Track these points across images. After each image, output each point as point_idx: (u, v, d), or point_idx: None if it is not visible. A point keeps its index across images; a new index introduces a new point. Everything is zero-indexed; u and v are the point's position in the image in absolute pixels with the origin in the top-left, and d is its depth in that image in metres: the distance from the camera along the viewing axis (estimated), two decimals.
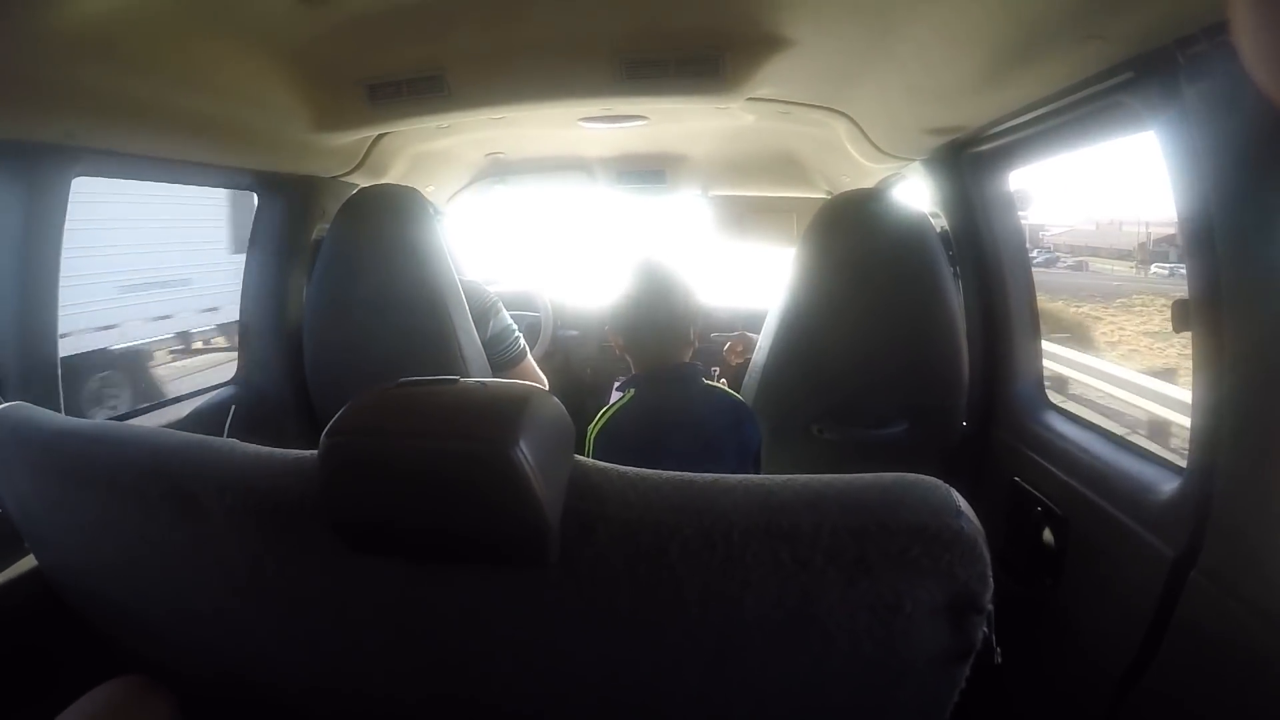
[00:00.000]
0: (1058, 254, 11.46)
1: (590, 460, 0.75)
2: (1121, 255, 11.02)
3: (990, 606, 0.66)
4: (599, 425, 1.41)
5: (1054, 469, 1.30)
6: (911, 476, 0.68)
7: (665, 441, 1.36)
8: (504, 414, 0.66)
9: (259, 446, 0.84)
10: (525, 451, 0.63)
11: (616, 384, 1.53)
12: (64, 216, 1.25)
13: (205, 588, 0.85)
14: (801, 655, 0.71)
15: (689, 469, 0.73)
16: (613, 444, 1.39)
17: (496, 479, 0.63)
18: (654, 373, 1.47)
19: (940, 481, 0.67)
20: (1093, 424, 1.34)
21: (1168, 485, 1.01)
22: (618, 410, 1.42)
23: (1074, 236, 12.04)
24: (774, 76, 1.42)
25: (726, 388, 1.52)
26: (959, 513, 0.64)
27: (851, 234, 1.49)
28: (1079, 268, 11.30)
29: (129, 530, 0.84)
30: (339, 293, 1.57)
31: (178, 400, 1.69)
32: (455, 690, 0.83)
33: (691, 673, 0.74)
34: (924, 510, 0.65)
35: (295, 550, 0.77)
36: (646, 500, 0.70)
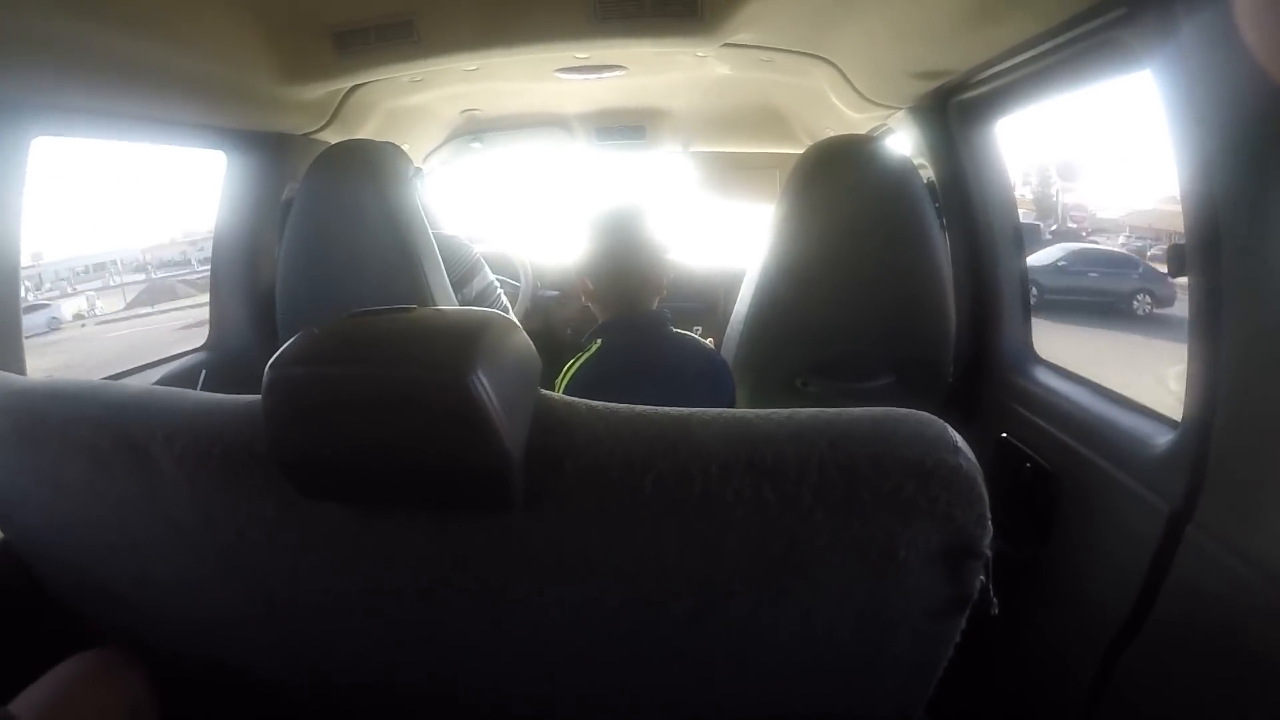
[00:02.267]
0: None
1: (556, 394, 0.71)
2: None
3: (989, 552, 0.62)
4: (567, 376, 1.37)
5: (1044, 424, 1.28)
6: (904, 410, 0.64)
7: (635, 390, 1.31)
8: (460, 341, 0.61)
9: (209, 394, 0.80)
10: (483, 380, 0.58)
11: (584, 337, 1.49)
12: (24, 178, 1.21)
13: (162, 546, 0.81)
14: (788, 604, 0.68)
15: None
16: (582, 394, 1.35)
17: (452, 411, 0.59)
18: (620, 320, 1.43)
19: (935, 417, 0.64)
20: (1083, 378, 1.32)
21: (1162, 438, 0.98)
22: (584, 360, 1.38)
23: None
24: (754, 20, 1.38)
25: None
26: (956, 449, 0.61)
27: (834, 181, 1.44)
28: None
29: (84, 488, 0.80)
30: (312, 252, 1.52)
31: (148, 366, 1.65)
32: (424, 643, 0.80)
33: (670, 623, 0.70)
34: (919, 445, 0.61)
35: (245, 499, 0.73)
36: (617, 434, 0.66)
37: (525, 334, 0.70)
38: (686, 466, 0.63)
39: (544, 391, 0.70)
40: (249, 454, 0.71)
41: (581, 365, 1.37)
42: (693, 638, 0.71)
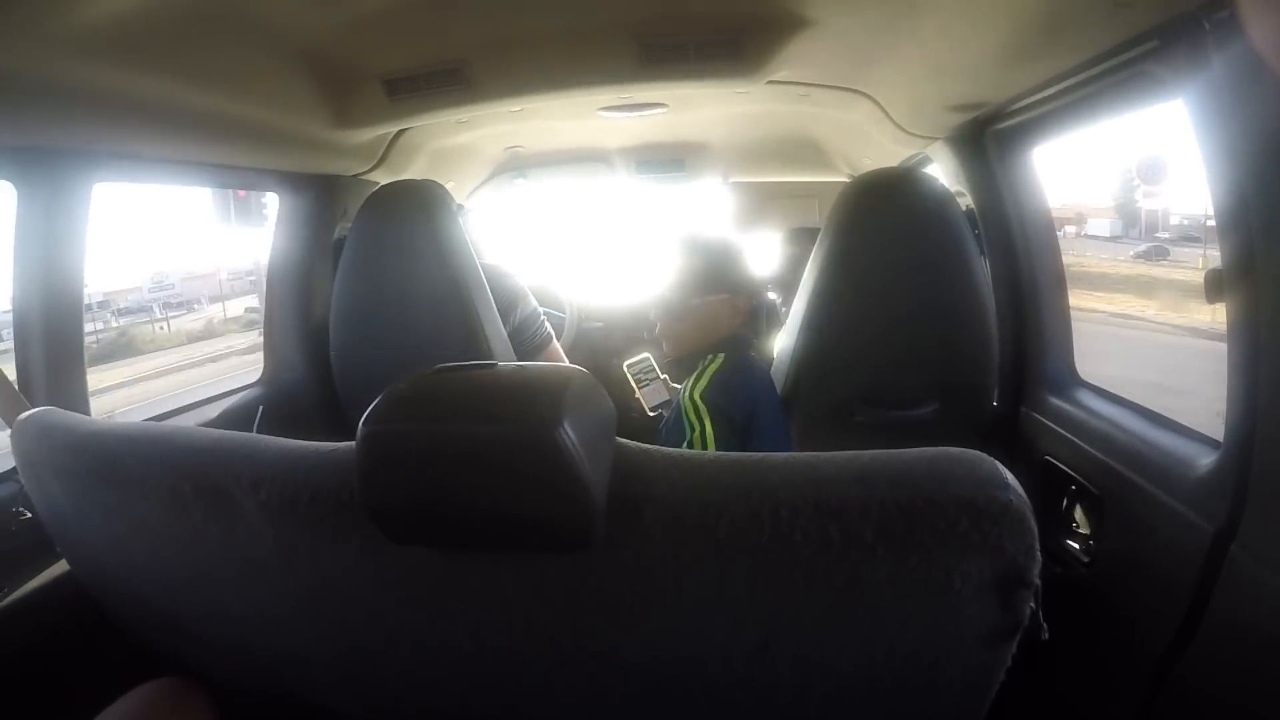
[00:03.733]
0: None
1: (632, 442, 0.74)
2: None
3: (1038, 581, 0.65)
4: (700, 385, 1.41)
5: (1087, 447, 1.28)
6: (957, 450, 0.67)
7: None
8: (546, 395, 0.65)
9: (290, 440, 0.83)
10: (569, 432, 0.62)
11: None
12: (86, 222, 1.27)
13: (238, 586, 0.85)
14: (850, 635, 0.70)
15: None
16: (738, 394, 1.41)
17: (541, 461, 0.62)
18: (729, 339, 1.49)
19: (986, 455, 0.66)
20: (1126, 400, 1.32)
21: (1205, 459, 0.99)
22: (716, 369, 1.43)
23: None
24: (794, 58, 1.41)
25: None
26: (1006, 485, 0.63)
27: (876, 213, 1.47)
28: None
29: (160, 530, 0.83)
30: (364, 289, 1.58)
31: (206, 402, 1.70)
32: (497, 682, 0.82)
33: (737, 656, 0.73)
34: (971, 484, 0.63)
35: (330, 543, 0.77)
36: (692, 480, 0.69)
37: (603, 388, 0.73)
38: (757, 510, 0.66)
39: (622, 440, 0.73)
40: (336, 501, 0.74)
41: (717, 372, 1.43)
42: (758, 667, 0.74)
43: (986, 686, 0.73)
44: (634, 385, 1.74)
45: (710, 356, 1.46)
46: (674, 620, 0.73)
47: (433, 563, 0.74)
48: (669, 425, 1.47)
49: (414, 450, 0.67)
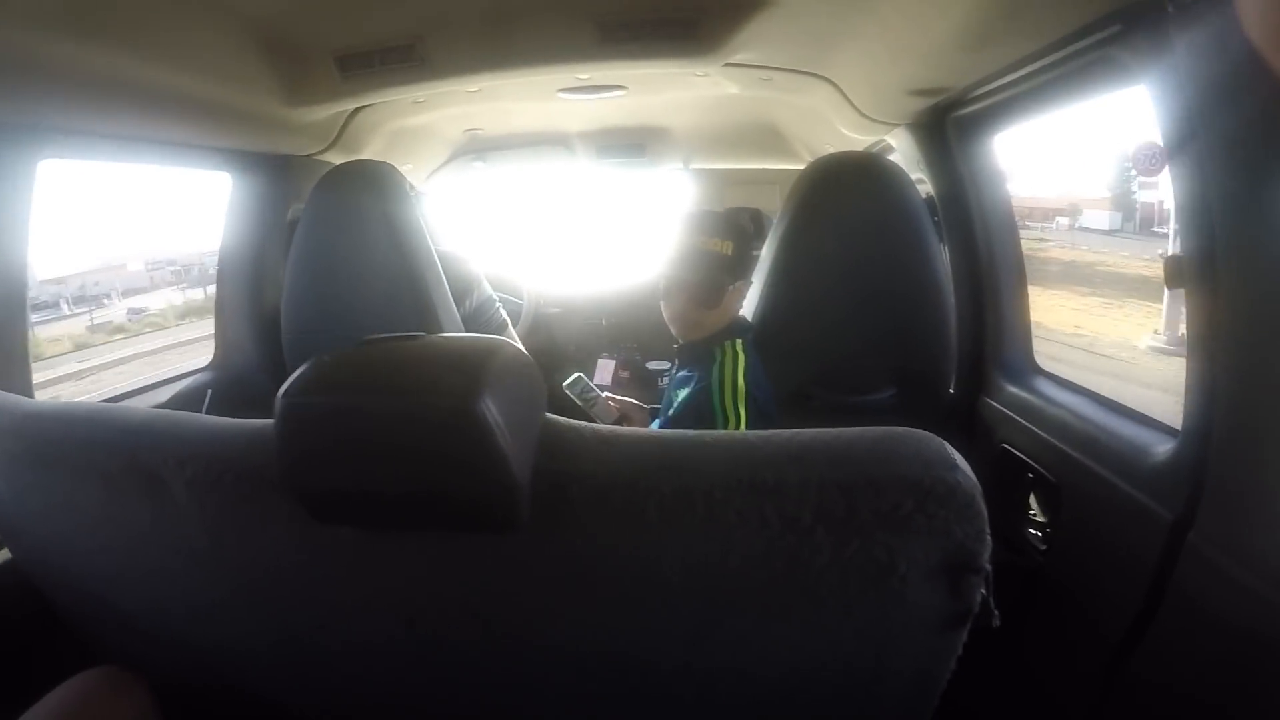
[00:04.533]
0: None
1: (562, 418, 0.72)
2: None
3: (988, 566, 0.63)
4: (739, 374, 1.36)
5: (1045, 435, 1.28)
6: (903, 430, 0.65)
7: None
8: (468, 367, 0.62)
9: (220, 418, 0.80)
10: (490, 407, 0.60)
11: (675, 354, 1.52)
12: (30, 201, 1.22)
13: (171, 569, 0.82)
14: (791, 622, 0.69)
15: None
16: (764, 381, 1.39)
17: (460, 436, 0.60)
18: (736, 324, 1.45)
19: (934, 435, 0.65)
20: (1084, 389, 1.32)
21: (1163, 447, 0.99)
22: (744, 358, 1.39)
23: None
24: (753, 39, 1.39)
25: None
26: (954, 466, 0.62)
27: (833, 197, 1.46)
28: None
29: (95, 511, 0.81)
30: (316, 271, 1.54)
31: (155, 386, 1.66)
32: (431, 667, 0.80)
33: (674, 642, 0.71)
34: (917, 464, 0.62)
35: (256, 523, 0.74)
36: (622, 457, 0.67)
37: (533, 360, 0.71)
38: (689, 489, 0.64)
39: (550, 416, 0.71)
40: (260, 479, 0.72)
41: (746, 361, 1.39)
42: (697, 653, 0.72)
43: (937, 674, 0.72)
44: (582, 406, 1.68)
45: (727, 343, 1.40)
46: (607, 604, 0.71)
47: (360, 544, 0.72)
48: (673, 419, 1.42)
49: (332, 424, 0.64)
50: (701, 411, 1.33)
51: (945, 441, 0.64)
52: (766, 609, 0.68)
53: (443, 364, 0.65)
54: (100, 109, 1.25)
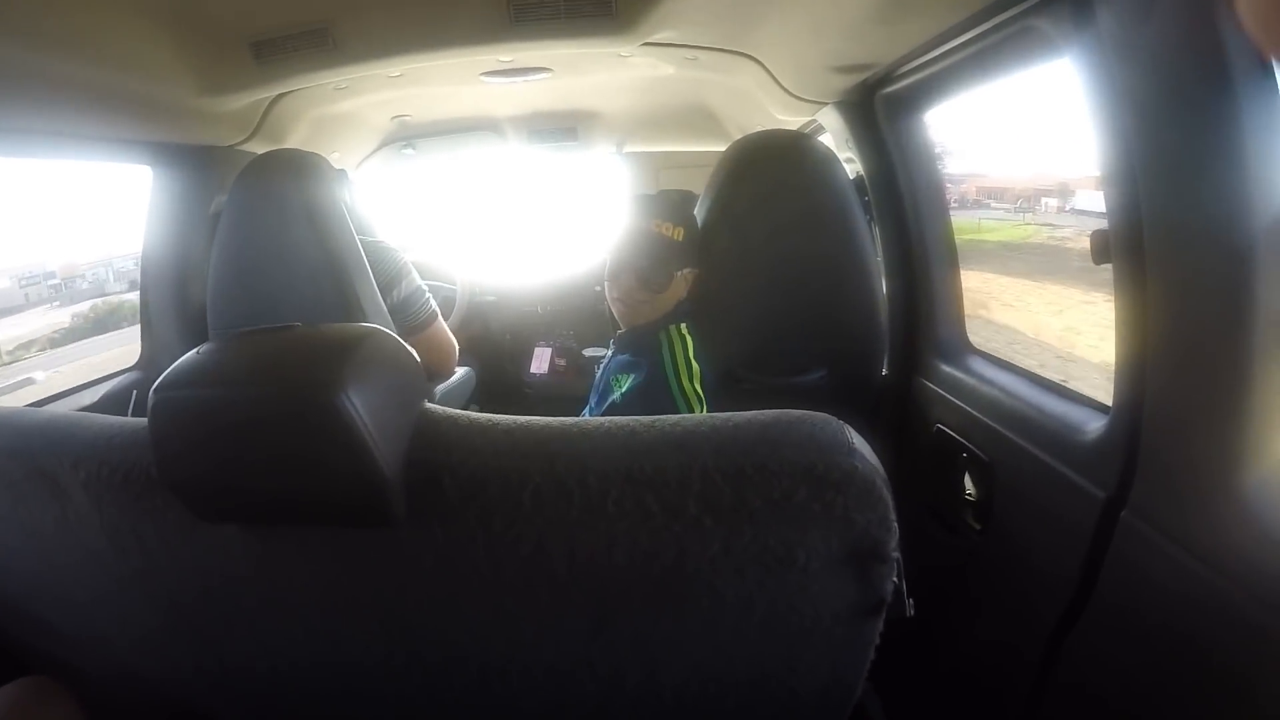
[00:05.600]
0: None
1: (439, 408, 0.70)
2: None
3: (897, 555, 0.62)
4: (690, 358, 1.34)
5: (978, 414, 1.28)
6: (798, 413, 0.63)
7: None
8: (331, 357, 0.60)
9: (114, 417, 0.78)
10: (353, 399, 0.58)
11: (613, 340, 1.48)
12: None
13: (80, 572, 0.81)
14: (689, 615, 0.67)
15: None
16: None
17: (321, 431, 0.58)
18: (679, 309, 1.42)
19: (832, 418, 0.62)
20: (1017, 368, 1.32)
21: (1094, 425, 0.98)
22: (691, 340, 1.36)
23: None
24: (671, 18, 1.37)
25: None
26: (851, 450, 0.60)
27: (757, 176, 1.44)
28: None
29: (4, 516, 0.80)
30: (240, 264, 1.50)
31: (83, 388, 1.63)
32: (329, 660, 0.79)
33: (572, 637, 0.70)
34: (810, 449, 0.60)
35: (149, 521, 0.73)
36: (494, 446, 0.65)
37: (408, 348, 0.70)
38: (563, 479, 0.62)
39: (429, 405, 0.70)
40: (148, 477, 0.71)
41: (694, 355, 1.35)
42: (598, 650, 0.70)
43: (855, 664, 0.71)
44: None
45: (672, 327, 1.38)
46: (496, 600, 0.69)
47: (248, 540, 0.71)
48: (619, 408, 1.37)
49: (199, 418, 0.63)
50: (655, 399, 1.31)
51: (846, 425, 0.62)
52: (661, 602, 0.66)
53: (310, 354, 0.63)
54: (5, 102, 1.19)
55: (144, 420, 0.73)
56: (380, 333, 0.67)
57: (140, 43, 1.26)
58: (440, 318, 1.86)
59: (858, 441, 0.61)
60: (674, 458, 0.61)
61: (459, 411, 0.70)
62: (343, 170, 1.90)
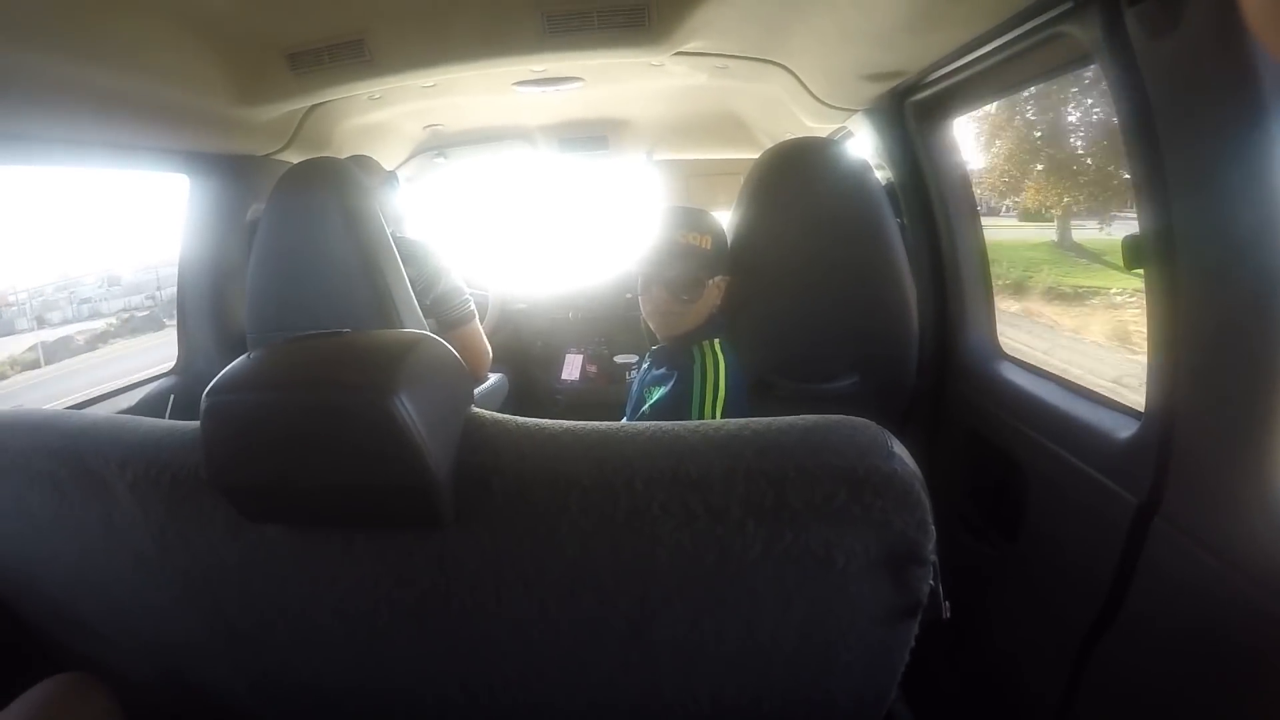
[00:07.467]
0: None
1: (486, 411, 0.71)
2: None
3: (934, 557, 0.62)
4: (719, 381, 1.33)
5: (1011, 419, 1.27)
6: (838, 417, 0.64)
7: None
8: (384, 361, 0.62)
9: (160, 420, 0.80)
10: (405, 401, 0.59)
11: (649, 353, 1.48)
12: None
13: (122, 572, 0.82)
14: (728, 615, 0.68)
15: None
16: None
17: (375, 432, 0.60)
18: (714, 321, 1.41)
19: (871, 422, 0.63)
20: (1048, 373, 1.32)
21: (1127, 430, 0.98)
22: (725, 360, 1.35)
23: None
24: (703, 27, 1.38)
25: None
26: (890, 454, 0.60)
27: (789, 184, 1.45)
28: None
29: (48, 516, 0.80)
30: (276, 271, 1.53)
31: (119, 392, 1.66)
32: (373, 661, 0.80)
33: (611, 638, 0.71)
34: (850, 452, 0.60)
35: (195, 523, 0.74)
36: (542, 450, 0.67)
37: (456, 354, 0.71)
38: (610, 482, 0.63)
39: (476, 410, 0.71)
40: (196, 479, 0.72)
41: (730, 376, 1.34)
42: (636, 650, 0.71)
43: (890, 667, 0.71)
44: None
45: (706, 343, 1.38)
46: (539, 601, 0.70)
47: (293, 541, 0.72)
48: (648, 418, 1.38)
49: (252, 420, 0.64)
50: (677, 414, 1.31)
51: (885, 430, 0.63)
52: (702, 603, 0.67)
53: (361, 359, 0.64)
54: (53, 114, 1.23)
55: (190, 423, 0.76)
56: (430, 339, 0.68)
57: (180, 55, 1.30)
58: (477, 319, 1.88)
59: (897, 446, 0.61)
60: (718, 460, 0.62)
61: (506, 416, 0.71)
62: (392, 172, 1.94)
